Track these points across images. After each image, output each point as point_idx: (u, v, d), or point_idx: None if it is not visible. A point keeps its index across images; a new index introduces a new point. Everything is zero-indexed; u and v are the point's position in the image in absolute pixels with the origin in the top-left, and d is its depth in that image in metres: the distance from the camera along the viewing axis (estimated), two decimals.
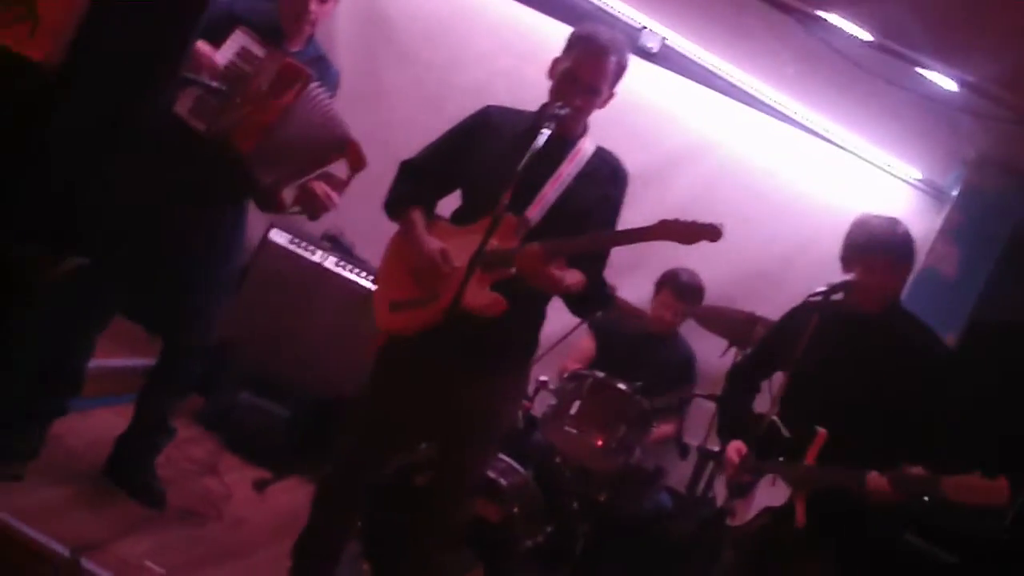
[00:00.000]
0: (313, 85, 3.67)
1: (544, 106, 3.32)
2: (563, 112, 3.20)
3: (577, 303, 3.36)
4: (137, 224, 3.69)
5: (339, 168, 3.85)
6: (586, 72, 3.27)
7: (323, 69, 3.89)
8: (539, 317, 3.47)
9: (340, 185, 3.87)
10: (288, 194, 3.82)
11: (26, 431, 3.73)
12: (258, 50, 3.66)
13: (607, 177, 3.40)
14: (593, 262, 3.30)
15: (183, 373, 4.18)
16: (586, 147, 3.38)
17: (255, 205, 4.00)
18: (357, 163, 3.83)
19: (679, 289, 5.07)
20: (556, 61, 3.36)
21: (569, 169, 3.31)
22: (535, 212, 3.25)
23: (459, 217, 3.42)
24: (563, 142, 3.30)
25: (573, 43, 3.34)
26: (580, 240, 3.21)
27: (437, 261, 3.25)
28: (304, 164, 3.80)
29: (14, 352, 3.15)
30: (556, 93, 3.30)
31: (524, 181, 3.03)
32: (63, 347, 3.73)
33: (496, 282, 3.17)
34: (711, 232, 3.07)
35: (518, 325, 3.33)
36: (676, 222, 3.08)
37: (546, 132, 3.08)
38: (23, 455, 3.70)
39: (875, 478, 3.11)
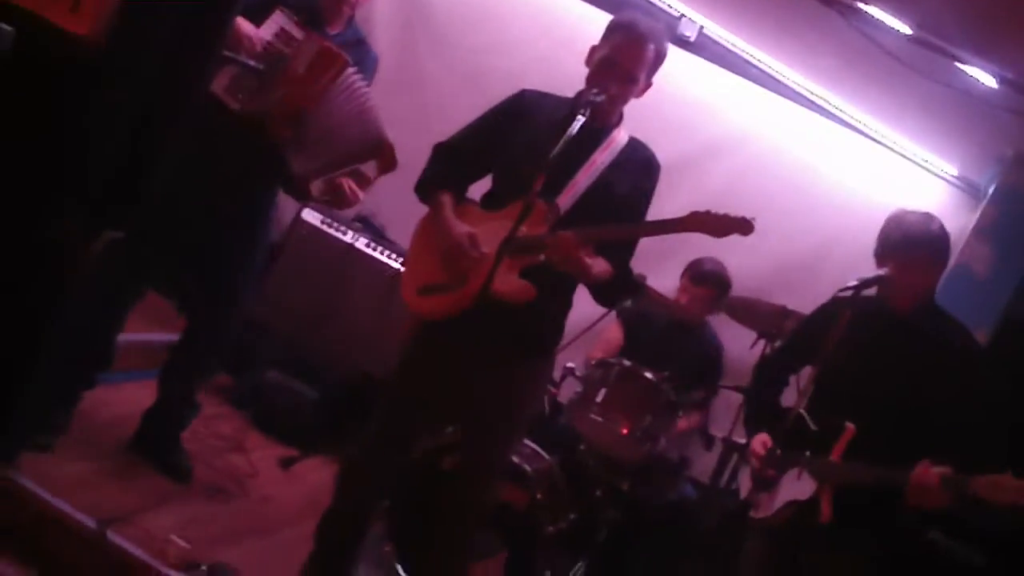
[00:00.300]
0: (349, 71, 3.67)
1: (580, 93, 3.31)
2: (599, 99, 3.19)
3: (603, 291, 3.35)
4: (171, 200, 3.72)
5: (368, 167, 3.86)
6: (624, 59, 3.26)
7: (362, 53, 3.90)
8: (566, 305, 3.46)
9: (366, 182, 3.89)
10: (316, 186, 3.82)
11: (56, 404, 3.76)
12: (297, 32, 3.67)
13: (639, 168, 3.39)
14: (620, 251, 3.30)
15: (210, 349, 4.20)
16: (620, 137, 3.37)
17: (282, 189, 4.02)
18: (388, 165, 3.85)
19: (697, 275, 5.03)
20: (593, 49, 3.35)
21: (602, 158, 3.30)
22: (566, 200, 3.24)
23: (489, 201, 3.41)
24: (597, 130, 3.29)
25: (612, 30, 3.32)
26: (612, 228, 3.21)
27: (465, 246, 3.25)
28: (337, 160, 3.81)
29: (46, 325, 3.17)
30: (593, 80, 3.29)
31: (556, 168, 3.02)
32: (95, 321, 3.75)
33: (525, 268, 3.17)
34: (742, 226, 3.06)
35: (546, 312, 3.33)
36: (707, 214, 3.07)
37: (581, 119, 3.07)
38: (52, 428, 3.74)
39: (920, 476, 3.10)
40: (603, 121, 3.32)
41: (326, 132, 3.72)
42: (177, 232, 3.86)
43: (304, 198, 3.92)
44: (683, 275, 5.11)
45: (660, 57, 3.32)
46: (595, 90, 3.22)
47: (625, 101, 3.35)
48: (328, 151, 3.78)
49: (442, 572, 3.54)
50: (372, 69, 3.98)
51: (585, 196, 3.27)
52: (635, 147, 3.40)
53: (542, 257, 3.15)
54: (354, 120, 3.75)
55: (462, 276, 3.26)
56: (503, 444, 3.51)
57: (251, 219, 4.01)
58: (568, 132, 3.00)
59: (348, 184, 3.85)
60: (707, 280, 5.03)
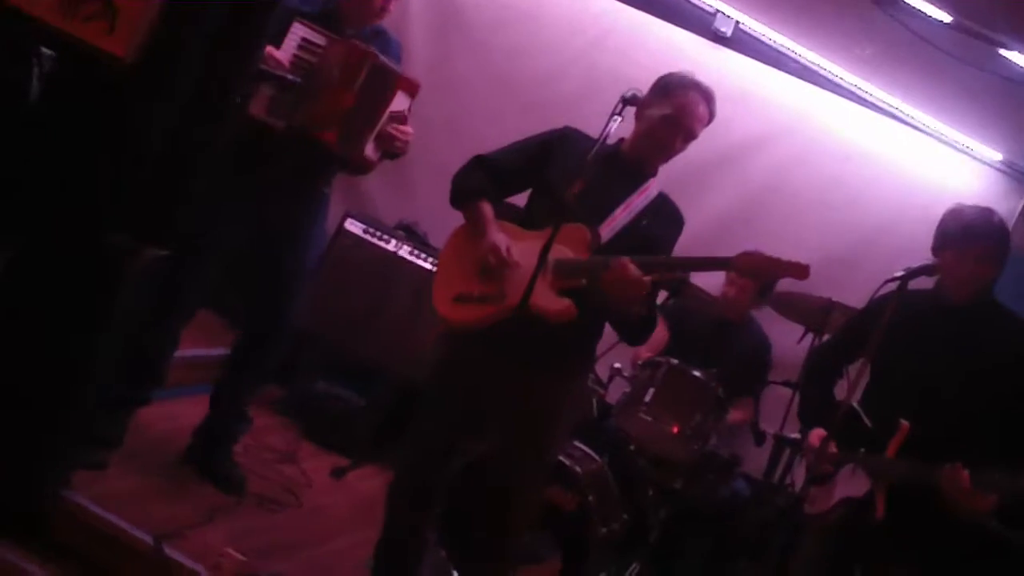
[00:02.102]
0: (380, 61, 3.71)
1: (620, 141, 3.39)
2: (635, 96, 3.21)
3: (633, 328, 3.35)
4: (223, 217, 3.76)
5: (399, 102, 3.86)
6: (687, 119, 3.29)
7: (384, 43, 3.91)
8: (598, 331, 3.48)
9: (405, 117, 3.90)
10: (371, 150, 3.84)
11: (110, 420, 3.80)
12: (319, 38, 3.70)
13: (667, 220, 3.42)
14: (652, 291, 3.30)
15: (262, 361, 4.23)
16: (652, 188, 3.40)
17: (347, 173, 4.04)
18: (411, 88, 3.86)
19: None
20: (646, 104, 3.33)
21: (638, 201, 3.34)
22: (606, 231, 3.26)
23: (525, 222, 3.43)
24: (637, 175, 3.36)
25: (669, 89, 3.33)
26: (666, 260, 3.23)
27: (501, 253, 3.27)
28: (371, 116, 3.81)
29: (101, 341, 3.21)
30: (652, 137, 3.31)
31: (596, 200, 3.08)
32: (149, 338, 3.79)
33: (564, 290, 3.17)
34: (798, 270, 3.06)
35: (579, 333, 3.34)
36: (758, 255, 3.06)
37: (618, 119, 3.09)
38: (107, 444, 3.78)
39: (952, 477, 3.07)
40: (644, 167, 3.37)
41: (365, 117, 3.77)
42: (225, 247, 3.90)
43: (368, 167, 3.92)
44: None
45: (712, 117, 3.37)
46: (632, 90, 3.22)
47: (675, 155, 3.38)
48: (361, 120, 3.81)
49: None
50: (397, 57, 3.99)
51: (621, 233, 3.29)
52: (664, 200, 3.43)
53: (583, 281, 3.15)
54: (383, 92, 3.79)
55: (500, 288, 3.28)
56: (538, 453, 3.49)
57: (300, 231, 4.04)
58: (605, 132, 3.02)
59: (393, 129, 3.87)
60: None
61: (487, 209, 3.40)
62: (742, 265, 3.08)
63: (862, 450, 3.37)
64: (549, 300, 3.13)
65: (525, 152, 3.46)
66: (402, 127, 3.88)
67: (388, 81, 3.80)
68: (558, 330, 3.16)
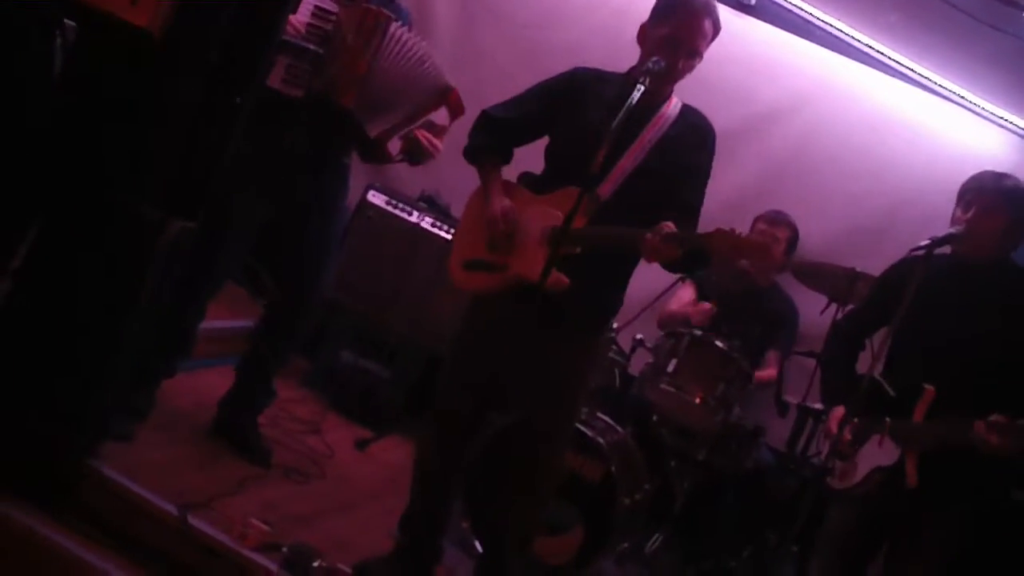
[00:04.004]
0: (395, 26, 3.72)
1: (632, 68, 3.30)
2: (659, 67, 3.15)
3: (674, 266, 3.31)
4: (249, 189, 3.78)
5: (439, 116, 3.89)
6: (688, 35, 3.23)
7: (394, 9, 3.90)
8: (621, 283, 3.46)
9: (441, 132, 3.95)
10: (393, 145, 3.86)
11: (137, 392, 3.82)
12: (330, 5, 3.71)
13: (693, 144, 3.35)
14: (687, 221, 3.25)
15: (290, 333, 4.24)
16: (669, 111, 3.34)
17: (360, 158, 4.06)
18: (457, 109, 3.90)
19: (770, 218, 4.99)
20: (645, 28, 3.32)
21: (650, 136, 3.28)
22: (608, 187, 3.24)
23: (540, 182, 3.42)
24: (644, 109, 3.23)
25: (667, 8, 3.28)
26: (621, 232, 3.16)
27: (499, 226, 3.29)
28: (408, 114, 3.85)
29: (131, 312, 3.23)
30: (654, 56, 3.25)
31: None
32: (176, 310, 3.80)
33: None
34: (759, 251, 3.04)
35: (599, 289, 3.34)
36: (733, 233, 2.99)
37: (641, 88, 3.04)
38: (133, 415, 3.80)
39: (981, 428, 3.07)
40: (653, 98, 3.27)
41: (391, 90, 3.79)
42: (252, 220, 3.91)
43: (384, 160, 3.95)
44: (755, 223, 5.04)
45: (717, 30, 3.30)
46: (655, 58, 3.18)
47: (681, 77, 3.32)
48: (397, 108, 3.83)
49: (515, 547, 3.56)
50: (407, 22, 3.99)
51: (630, 179, 3.26)
52: (687, 119, 3.36)
53: (578, 249, 3.13)
54: (414, 72, 3.81)
55: (504, 256, 3.31)
56: (560, 419, 3.50)
57: (325, 202, 4.05)
58: (629, 101, 2.97)
59: (424, 136, 3.90)
60: (781, 221, 4.98)
61: (493, 172, 3.43)
62: (717, 241, 3.01)
63: (887, 419, 3.36)
64: (538, 271, 3.02)
65: (531, 103, 3.46)
66: (434, 140, 3.93)
67: (435, 87, 3.86)
68: (578, 293, 3.15)
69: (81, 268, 3.18)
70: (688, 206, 3.30)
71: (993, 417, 3.08)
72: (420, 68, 3.83)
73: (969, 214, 3.37)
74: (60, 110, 3.14)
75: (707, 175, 3.38)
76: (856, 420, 3.41)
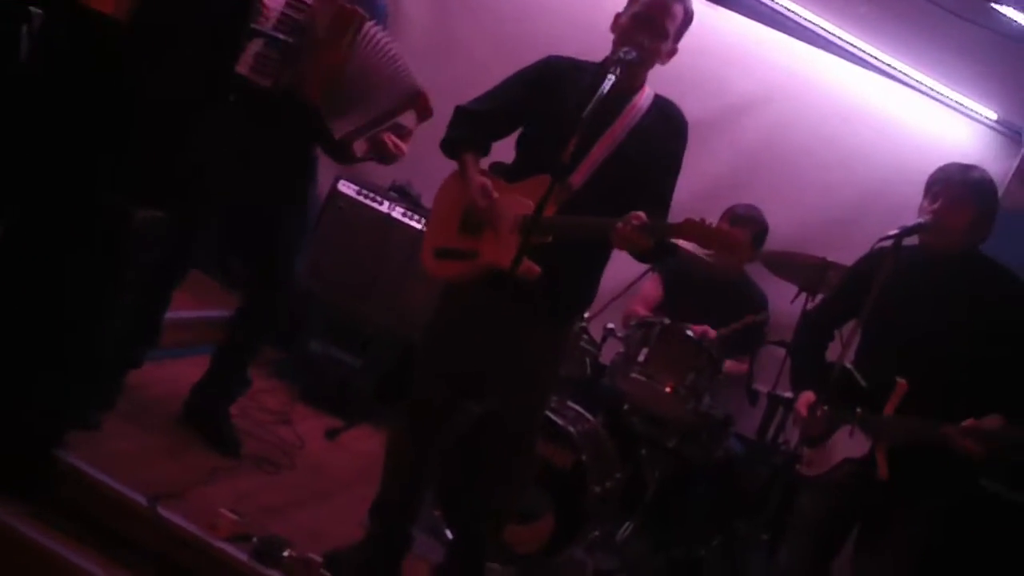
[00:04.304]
0: (369, 25, 3.70)
1: (607, 58, 3.30)
2: (630, 56, 3.16)
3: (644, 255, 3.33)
4: (214, 179, 3.76)
5: (406, 119, 3.88)
6: (656, 13, 3.25)
7: (369, 5, 3.88)
8: (594, 269, 3.47)
9: (408, 134, 3.93)
10: (359, 146, 3.85)
11: (103, 382, 3.81)
12: None
13: (664, 133, 3.36)
14: (656, 210, 3.26)
15: (265, 323, 4.24)
16: (641, 101, 3.34)
17: (327, 156, 4.04)
18: (424, 113, 3.88)
19: (736, 217, 4.99)
20: (619, 15, 3.34)
21: (623, 125, 3.29)
22: (580, 176, 3.24)
23: (512, 171, 3.41)
24: (617, 98, 3.24)
25: None
26: (593, 222, 3.17)
27: (478, 196, 3.29)
28: (375, 116, 3.83)
29: (94, 302, 3.21)
30: (623, 39, 3.26)
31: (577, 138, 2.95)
32: (142, 299, 3.78)
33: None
34: (730, 240, 3.07)
35: (571, 276, 3.34)
36: (703, 224, 3.05)
37: (612, 78, 3.04)
38: (100, 405, 3.78)
39: (950, 431, 3.09)
40: (627, 86, 3.28)
41: (359, 90, 3.76)
42: (221, 211, 3.89)
43: (349, 160, 3.94)
44: (721, 220, 5.06)
45: (688, 17, 3.32)
46: (626, 48, 3.19)
47: (654, 60, 3.32)
48: (365, 109, 3.81)
49: (487, 534, 3.57)
50: (383, 17, 3.98)
51: (602, 168, 3.26)
52: (660, 109, 3.37)
53: (549, 238, 3.13)
54: (384, 73, 3.78)
55: (475, 244, 3.32)
56: (533, 406, 3.52)
57: (295, 193, 4.04)
58: (600, 91, 2.97)
59: (390, 139, 3.89)
60: (747, 221, 4.99)
61: (471, 160, 3.41)
62: (687, 230, 3.05)
63: (858, 410, 3.38)
64: (510, 259, 3.03)
65: (506, 93, 3.46)
66: (400, 142, 3.92)
67: (405, 91, 3.84)
68: (549, 281, 3.15)
69: (49, 258, 3.16)
70: (659, 196, 3.32)
71: (965, 423, 3.09)
72: (390, 69, 3.80)
73: (936, 205, 3.38)
74: (26, 99, 3.11)
75: (679, 166, 3.39)
76: (826, 407, 3.43)
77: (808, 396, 3.52)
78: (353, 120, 3.81)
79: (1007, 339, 3.27)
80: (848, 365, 3.44)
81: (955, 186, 3.38)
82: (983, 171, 3.45)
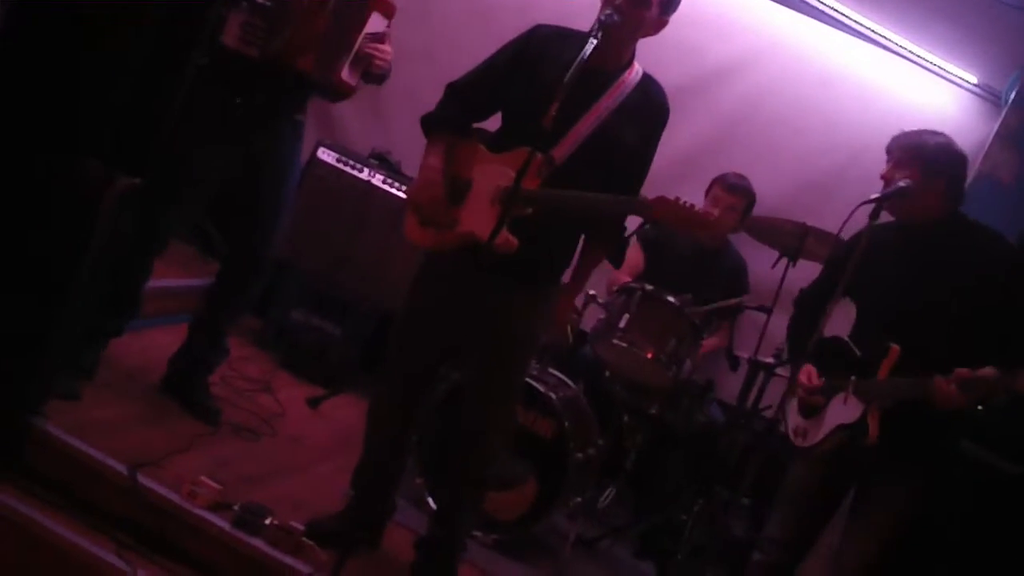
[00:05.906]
0: None
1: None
2: (613, 19, 3.11)
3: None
4: (202, 147, 3.73)
5: (374, 22, 3.81)
6: None
7: None
8: (572, 239, 3.46)
9: (385, 37, 3.88)
10: (348, 74, 3.80)
11: (83, 351, 3.79)
12: None
13: (648, 115, 3.33)
14: (629, 189, 3.28)
15: (243, 291, 4.22)
16: (630, 78, 3.29)
17: (326, 99, 4.00)
18: (387, 9, 3.83)
19: (729, 185, 4.99)
20: None
21: (608, 103, 3.24)
22: (563, 150, 3.20)
23: (497, 140, 3.38)
24: (606, 73, 3.23)
25: None
26: (577, 197, 3.17)
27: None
28: (346, 39, 3.77)
29: (74, 271, 3.19)
30: (606, 2, 3.21)
31: (559, 114, 2.91)
32: (122, 268, 3.76)
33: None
34: (707, 223, 3.13)
35: (549, 244, 3.33)
36: (676, 203, 3.08)
37: (593, 42, 3.00)
38: (80, 374, 3.77)
39: (941, 383, 3.11)
40: (613, 63, 3.25)
41: (338, 37, 3.74)
42: (202, 179, 3.86)
43: (346, 94, 3.89)
44: (713, 186, 5.05)
45: None
46: (608, 11, 3.14)
47: (635, 30, 3.26)
48: (347, 47, 3.77)
49: (468, 501, 3.57)
50: None
51: (586, 144, 3.23)
52: (646, 89, 3.32)
53: (530, 211, 3.12)
54: (352, 7, 3.75)
55: (455, 214, 3.29)
56: (512, 372, 3.50)
57: (279, 160, 4.01)
58: (581, 55, 2.93)
59: (372, 48, 3.83)
60: (739, 189, 4.99)
61: (441, 143, 3.37)
62: (659, 210, 3.07)
63: (852, 377, 3.39)
64: (489, 231, 3.02)
65: (494, 69, 3.39)
66: (381, 46, 3.85)
67: (361, 2, 3.75)
68: (528, 249, 3.14)
69: (27, 225, 3.14)
70: (634, 177, 3.34)
71: (957, 371, 3.11)
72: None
73: (906, 173, 3.39)
74: (2, 63, 3.08)
75: (654, 148, 3.38)
76: (823, 379, 3.49)
77: (809, 368, 3.55)
78: (330, 59, 3.76)
79: (993, 296, 3.29)
80: (845, 338, 3.47)
81: (926, 153, 3.39)
82: (926, 131, 3.48)
